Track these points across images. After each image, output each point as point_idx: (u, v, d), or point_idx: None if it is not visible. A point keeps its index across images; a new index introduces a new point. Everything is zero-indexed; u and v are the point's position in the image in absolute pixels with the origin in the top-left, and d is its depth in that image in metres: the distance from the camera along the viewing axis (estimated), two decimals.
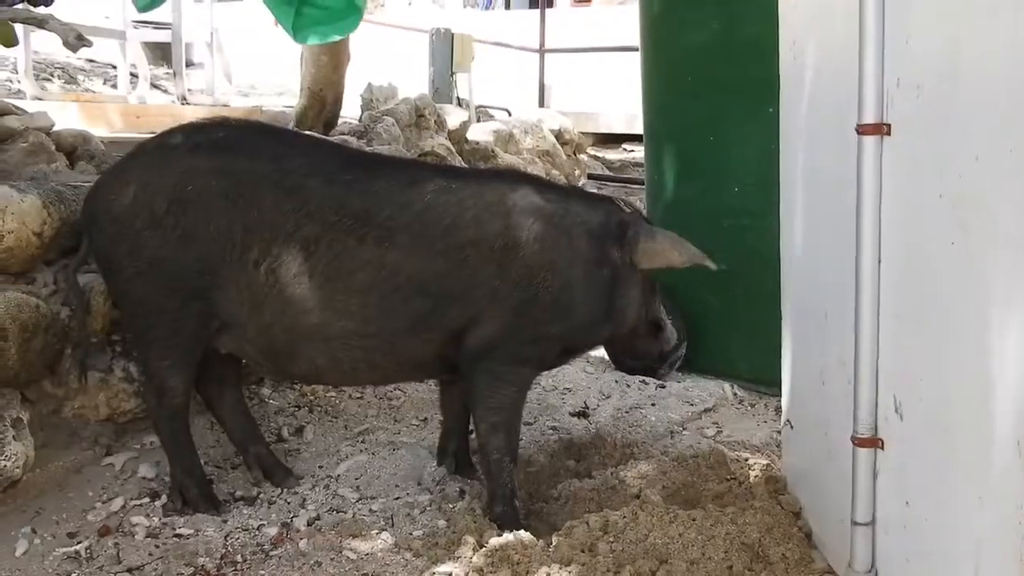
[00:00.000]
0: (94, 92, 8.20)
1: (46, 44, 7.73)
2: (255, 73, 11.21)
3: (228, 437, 3.19)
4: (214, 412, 3.15)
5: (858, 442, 2.21)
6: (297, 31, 4.02)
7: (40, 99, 6.14)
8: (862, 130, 2.12)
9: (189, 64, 8.28)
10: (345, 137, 5.19)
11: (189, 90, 7.60)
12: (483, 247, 2.75)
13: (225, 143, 2.83)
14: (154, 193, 2.72)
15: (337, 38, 4.39)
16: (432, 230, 2.73)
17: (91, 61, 9.69)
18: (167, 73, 8.89)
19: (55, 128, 3.85)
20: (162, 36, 7.84)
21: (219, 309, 2.77)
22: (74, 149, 3.87)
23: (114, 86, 8.50)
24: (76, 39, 3.43)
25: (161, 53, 9.09)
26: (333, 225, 2.70)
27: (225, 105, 7.56)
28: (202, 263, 2.72)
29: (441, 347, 2.82)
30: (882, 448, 2.18)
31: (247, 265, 2.71)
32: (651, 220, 3.15)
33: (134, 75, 7.84)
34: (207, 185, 2.71)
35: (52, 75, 8.56)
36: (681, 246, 2.95)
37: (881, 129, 2.10)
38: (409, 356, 2.85)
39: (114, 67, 8.70)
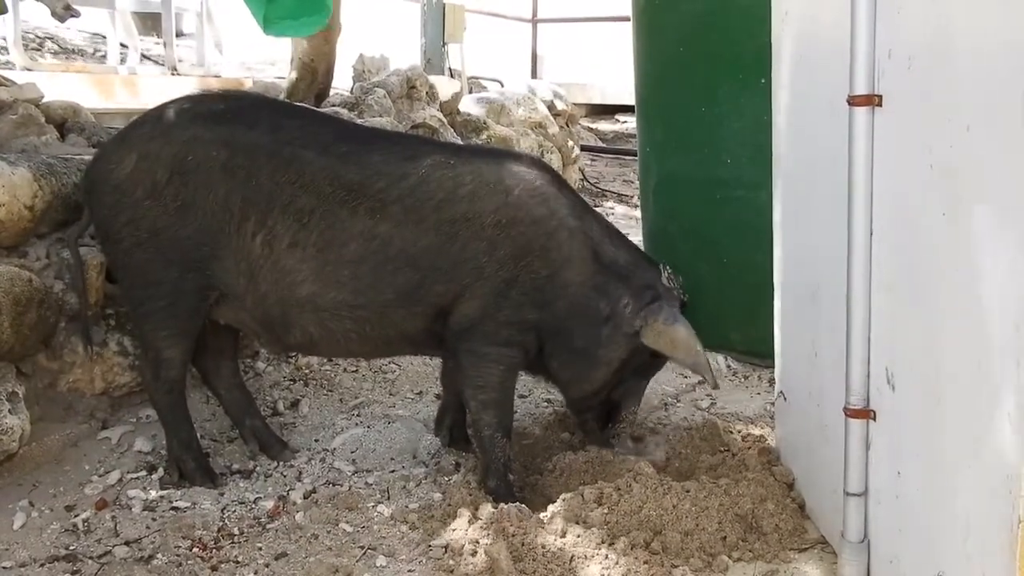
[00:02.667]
0: (84, 63, 8.14)
1: (36, 14, 7.66)
2: (246, 44, 11.14)
3: (224, 410, 3.20)
4: (210, 385, 3.16)
5: (850, 413, 2.23)
6: (268, 23, 4.00)
7: (30, 70, 6.09)
8: (853, 101, 2.12)
9: (179, 35, 8.21)
10: (336, 109, 5.15)
11: (180, 61, 7.54)
12: (475, 223, 2.75)
13: (225, 114, 2.83)
14: (155, 163, 2.72)
15: (305, 34, 4.45)
16: (425, 203, 2.74)
17: (81, 31, 9.61)
18: (157, 43, 8.81)
19: (45, 100, 3.83)
20: (152, 6, 7.77)
21: (217, 280, 2.78)
22: (64, 121, 3.85)
23: (104, 57, 8.43)
24: (64, 9, 3.42)
25: (151, 23, 9.01)
26: (327, 196, 2.71)
27: (216, 76, 7.50)
28: (201, 234, 2.73)
29: (430, 322, 2.83)
30: (874, 419, 2.20)
31: (245, 236, 2.72)
32: (684, 307, 3.04)
33: (124, 46, 7.78)
34: (207, 156, 2.71)
35: (42, 46, 8.49)
36: (693, 347, 2.86)
37: (872, 100, 2.10)
38: (399, 329, 2.85)
39: (104, 37, 8.63)
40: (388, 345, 2.99)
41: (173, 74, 7.29)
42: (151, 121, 2.85)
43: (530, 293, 2.79)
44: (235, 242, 2.73)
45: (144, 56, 8.27)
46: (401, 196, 2.73)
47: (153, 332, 2.86)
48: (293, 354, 3.72)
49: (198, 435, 3.03)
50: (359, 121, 4.75)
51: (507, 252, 2.75)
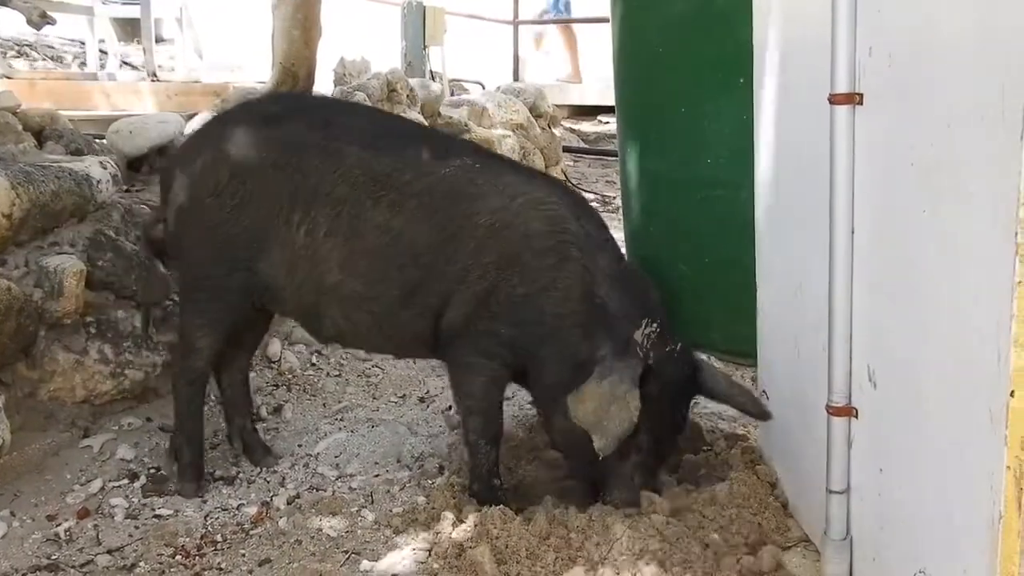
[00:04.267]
0: (63, 70, 8.10)
1: (13, 22, 7.61)
2: (226, 49, 11.10)
3: (220, 399, 3.23)
4: (217, 373, 3.17)
5: (832, 411, 2.22)
6: None
7: (8, 77, 6.06)
8: (834, 99, 2.12)
9: (159, 40, 8.17)
10: None
11: (159, 66, 7.51)
12: (471, 222, 2.70)
13: (278, 114, 2.94)
14: (217, 164, 2.82)
15: None
16: (437, 201, 2.73)
17: (60, 38, 9.56)
18: (137, 49, 8.78)
19: (22, 107, 3.81)
20: (131, 12, 7.74)
21: (262, 277, 2.84)
22: (42, 129, 3.83)
23: (83, 63, 8.39)
24: (40, 17, 3.40)
25: (130, 29, 8.98)
26: (359, 186, 2.75)
27: (196, 82, 7.48)
28: (251, 231, 2.80)
29: (433, 324, 2.79)
30: (856, 416, 2.20)
31: (291, 227, 2.78)
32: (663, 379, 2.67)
33: (103, 52, 7.75)
34: (261, 156, 2.80)
35: (20, 53, 8.44)
36: (603, 407, 2.54)
37: (853, 99, 2.09)
38: (408, 328, 2.84)
39: (83, 44, 8.59)
40: (403, 345, 3.01)
41: (153, 80, 7.26)
42: (214, 125, 2.99)
43: (505, 307, 2.70)
44: (282, 234, 2.78)
45: (124, 62, 8.25)
46: (419, 192, 2.73)
47: (190, 321, 2.94)
48: (330, 345, 3.73)
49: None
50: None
51: (491, 259, 2.69)
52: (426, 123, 6.18)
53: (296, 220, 2.77)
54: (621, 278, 2.74)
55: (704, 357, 4.12)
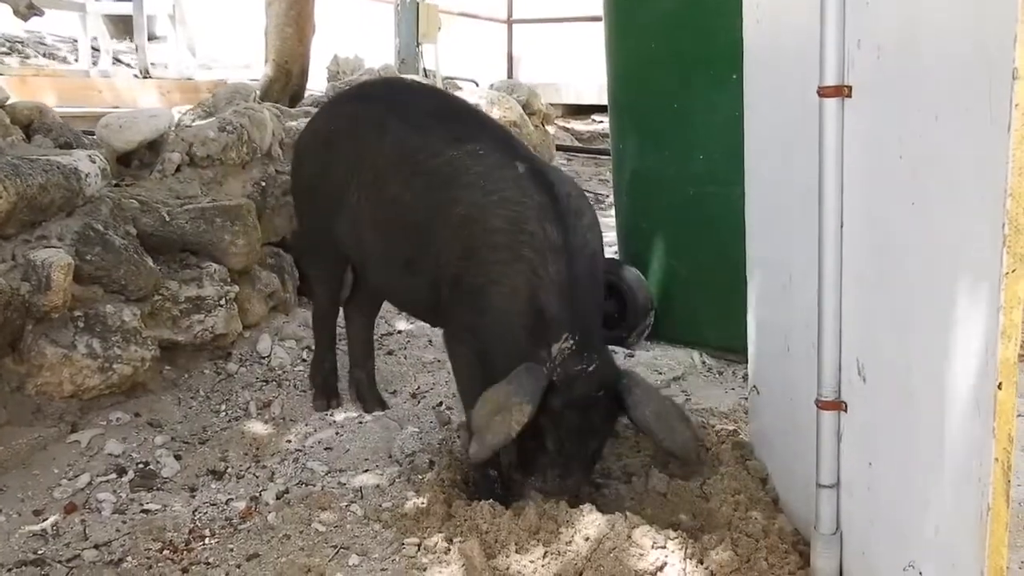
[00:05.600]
0: (55, 66, 8.07)
1: (5, 19, 7.58)
2: (219, 46, 11.08)
3: (348, 350, 3.65)
4: (347, 326, 3.66)
5: (822, 405, 2.22)
6: None
7: (0, 74, 6.04)
8: (823, 92, 2.11)
9: (151, 37, 8.15)
10: (309, 110, 5.13)
11: (152, 64, 7.49)
12: (450, 210, 2.75)
13: (366, 93, 3.52)
14: (316, 132, 3.39)
15: None
16: (436, 182, 2.82)
17: (52, 35, 9.54)
18: (130, 46, 8.75)
19: (10, 101, 3.79)
20: (123, 8, 7.72)
21: (341, 234, 3.20)
22: (30, 122, 3.81)
23: (76, 60, 8.37)
24: (27, 8, 3.38)
25: (123, 26, 8.95)
26: (392, 159, 2.99)
27: (189, 79, 7.47)
28: (333, 192, 3.16)
29: (434, 296, 2.87)
30: (845, 411, 2.19)
31: (353, 190, 3.08)
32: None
33: (95, 49, 7.73)
34: (343, 126, 3.23)
35: (12, 49, 8.41)
36: (481, 409, 2.49)
37: (842, 91, 2.09)
38: (415, 294, 3.05)
39: (75, 40, 8.57)
40: (419, 311, 3.30)
41: (145, 77, 7.25)
42: (326, 102, 3.59)
43: (467, 295, 2.70)
44: (349, 196, 3.09)
45: (116, 59, 8.22)
46: (429, 171, 2.86)
47: (308, 269, 3.73)
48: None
49: (335, 359, 3.61)
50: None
51: (458, 248, 2.72)
52: None
53: (355, 183, 3.08)
54: (568, 287, 2.60)
55: (696, 353, 4.17)
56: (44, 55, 8.72)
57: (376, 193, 3.00)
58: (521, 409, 2.40)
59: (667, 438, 2.53)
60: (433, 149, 2.88)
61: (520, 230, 2.63)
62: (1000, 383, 1.59)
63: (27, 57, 8.31)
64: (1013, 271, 1.55)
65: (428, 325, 3.86)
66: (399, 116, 3.05)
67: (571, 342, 2.53)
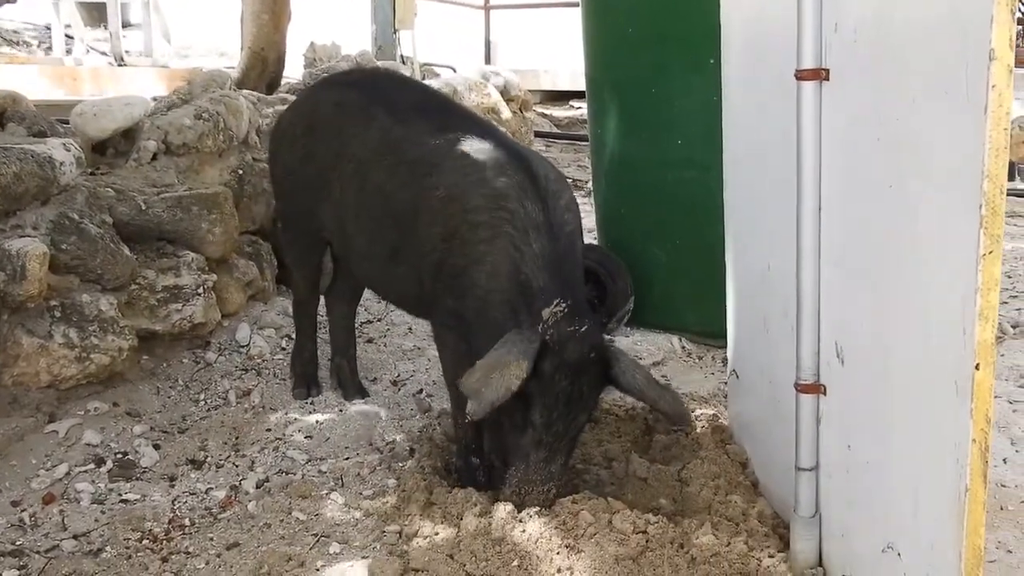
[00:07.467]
0: (28, 54, 8.00)
1: None
2: (193, 34, 11.00)
3: (330, 338, 3.64)
4: (328, 314, 3.64)
5: (801, 388, 2.23)
6: None
7: None
8: (801, 75, 2.11)
9: (126, 25, 8.08)
10: (286, 97, 5.10)
11: (127, 52, 7.43)
12: (432, 194, 2.74)
13: (347, 81, 3.56)
14: (296, 119, 3.38)
15: None
16: (417, 170, 2.83)
17: (26, 23, 9.45)
18: (104, 34, 8.67)
19: None
20: None
21: (322, 222, 3.22)
22: (4, 111, 3.76)
23: (49, 48, 8.29)
24: None
25: (97, 14, 8.87)
26: (375, 150, 2.99)
27: (164, 67, 7.41)
28: (315, 179, 3.17)
29: (418, 287, 2.87)
30: (824, 394, 2.20)
31: (335, 180, 3.09)
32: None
33: (69, 36, 7.66)
34: (325, 114, 3.23)
35: None
36: (482, 373, 2.42)
37: (819, 74, 2.09)
38: (399, 285, 3.05)
39: (48, 28, 8.49)
40: (402, 300, 3.25)
41: (119, 65, 7.19)
42: (306, 89, 3.57)
43: (450, 279, 2.70)
44: (332, 185, 3.10)
45: (90, 47, 8.16)
46: (412, 160, 2.87)
47: (287, 256, 3.75)
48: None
49: (316, 349, 3.62)
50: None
51: (439, 231, 2.71)
52: None
53: (338, 174, 3.08)
54: (552, 259, 2.61)
55: (676, 338, 4.18)
56: (16, 43, 8.63)
57: (360, 182, 3.00)
58: (519, 364, 2.39)
59: (660, 399, 2.55)
60: (414, 139, 2.90)
61: (500, 207, 2.64)
62: (978, 364, 1.60)
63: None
64: (990, 252, 1.55)
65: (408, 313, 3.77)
66: (384, 106, 3.05)
67: (563, 306, 2.52)
